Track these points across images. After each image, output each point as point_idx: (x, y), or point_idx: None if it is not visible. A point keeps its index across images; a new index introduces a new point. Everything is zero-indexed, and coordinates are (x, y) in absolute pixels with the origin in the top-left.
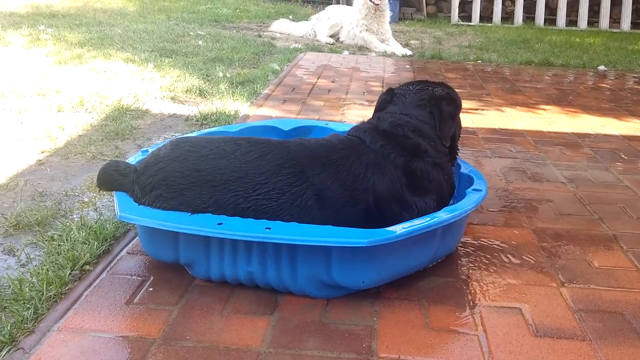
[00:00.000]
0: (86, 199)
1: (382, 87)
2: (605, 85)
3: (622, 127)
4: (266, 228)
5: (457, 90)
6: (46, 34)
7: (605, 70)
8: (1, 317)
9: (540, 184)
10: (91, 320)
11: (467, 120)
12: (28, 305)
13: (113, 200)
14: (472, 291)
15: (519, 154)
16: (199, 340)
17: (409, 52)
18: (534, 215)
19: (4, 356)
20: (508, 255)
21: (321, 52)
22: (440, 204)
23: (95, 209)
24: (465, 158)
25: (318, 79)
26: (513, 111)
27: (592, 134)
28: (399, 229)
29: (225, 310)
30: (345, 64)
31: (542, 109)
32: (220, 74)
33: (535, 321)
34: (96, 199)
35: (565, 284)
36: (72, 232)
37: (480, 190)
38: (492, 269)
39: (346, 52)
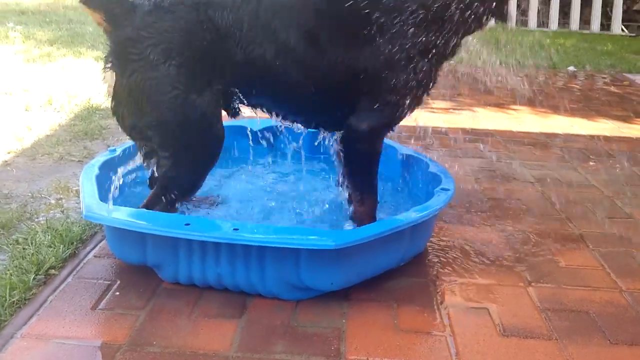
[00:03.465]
0: (53, 201)
1: None
2: (574, 86)
3: (591, 127)
4: (234, 229)
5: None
6: (15, 31)
7: (574, 71)
8: None
9: (509, 184)
10: (56, 326)
11: (439, 120)
12: None
13: (78, 205)
14: (441, 291)
15: (489, 154)
16: (165, 346)
17: None
18: (502, 215)
19: None
20: (477, 255)
21: None
22: None
23: (62, 211)
24: (436, 158)
25: None
26: (484, 111)
27: (560, 134)
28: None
29: (193, 314)
30: None
31: (513, 109)
32: None
33: (502, 321)
34: (63, 200)
35: (533, 284)
36: (38, 235)
37: (448, 190)
38: (461, 268)
39: None
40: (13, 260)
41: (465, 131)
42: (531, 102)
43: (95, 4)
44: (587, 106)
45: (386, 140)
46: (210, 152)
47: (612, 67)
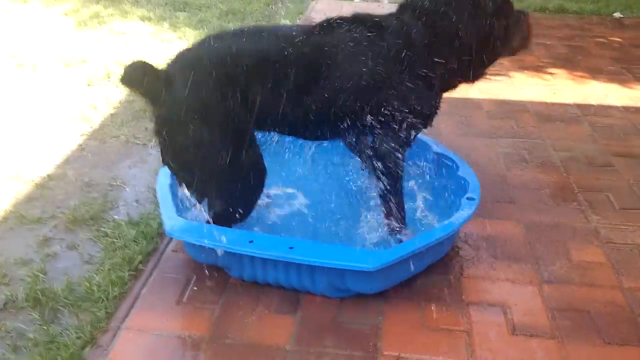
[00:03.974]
0: (128, 189)
1: None
2: (616, 40)
3: (625, 95)
4: (290, 247)
5: None
6: None
7: (620, 17)
8: (78, 315)
9: (536, 170)
10: (151, 319)
11: (474, 90)
12: (100, 306)
13: (150, 191)
14: (462, 289)
15: (520, 133)
16: (238, 339)
17: None
18: (525, 206)
19: (86, 353)
20: (496, 251)
21: None
22: None
23: (137, 200)
24: (468, 138)
25: None
26: (521, 77)
27: (594, 105)
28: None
29: (257, 309)
30: None
31: (549, 74)
32: None
33: (514, 319)
34: (136, 188)
35: (545, 282)
36: (123, 228)
37: (474, 200)
38: (481, 265)
39: None
40: (107, 253)
41: (499, 103)
42: (569, 63)
43: (135, 83)
44: (625, 68)
45: (423, 137)
46: (258, 185)
47: None
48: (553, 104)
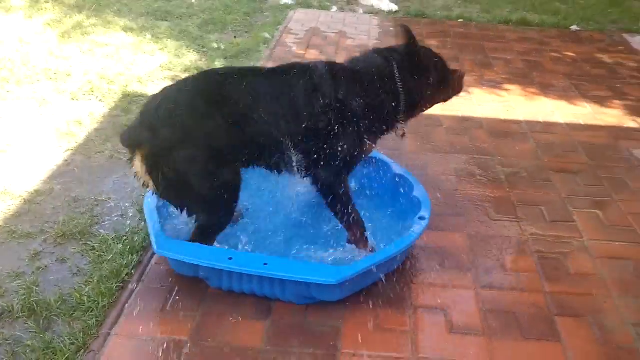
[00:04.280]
0: (112, 204)
1: None
2: (570, 54)
3: (570, 112)
4: (264, 264)
5: None
6: None
7: (577, 30)
8: (71, 323)
9: (483, 185)
10: (138, 325)
11: (437, 106)
12: (90, 315)
13: (135, 206)
14: (412, 294)
15: (473, 149)
16: (217, 341)
17: (395, 8)
18: (470, 219)
19: (80, 357)
20: (444, 261)
21: (310, 8)
22: None
23: (122, 215)
24: (427, 154)
25: (307, 49)
26: (479, 93)
27: (540, 122)
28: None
29: (233, 315)
30: (333, 26)
31: (505, 90)
32: (215, 45)
33: (453, 320)
34: (121, 203)
35: (482, 286)
36: (109, 243)
37: (425, 219)
38: (429, 273)
39: (334, 8)
40: (95, 265)
41: (458, 120)
42: (524, 79)
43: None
44: (573, 85)
45: (383, 157)
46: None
47: (614, 24)
48: (505, 121)
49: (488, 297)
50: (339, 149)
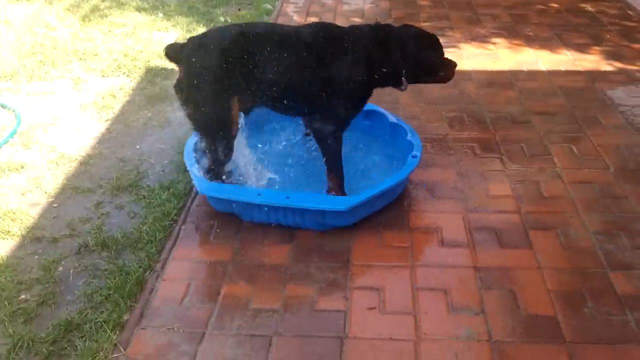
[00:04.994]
0: (153, 161)
1: (363, 20)
2: (554, 6)
3: (552, 60)
4: (286, 197)
5: (425, 25)
6: None
7: None
8: (136, 253)
9: (471, 129)
10: (189, 252)
11: None
12: (151, 245)
13: (172, 163)
14: (410, 219)
15: (462, 99)
16: (253, 261)
17: None
18: (459, 157)
19: (147, 276)
20: (436, 192)
21: None
22: None
23: (163, 170)
24: (420, 105)
25: (307, 17)
26: (469, 47)
27: (524, 71)
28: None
29: (265, 241)
30: None
31: (493, 43)
32: (222, 19)
33: (443, 236)
34: (160, 159)
35: (469, 210)
36: (156, 192)
37: (417, 156)
38: (424, 201)
39: None
40: (148, 210)
41: None
42: (510, 32)
43: (172, 59)
44: (556, 34)
45: (379, 109)
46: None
47: None
48: (492, 72)
49: (473, 219)
50: (343, 103)
